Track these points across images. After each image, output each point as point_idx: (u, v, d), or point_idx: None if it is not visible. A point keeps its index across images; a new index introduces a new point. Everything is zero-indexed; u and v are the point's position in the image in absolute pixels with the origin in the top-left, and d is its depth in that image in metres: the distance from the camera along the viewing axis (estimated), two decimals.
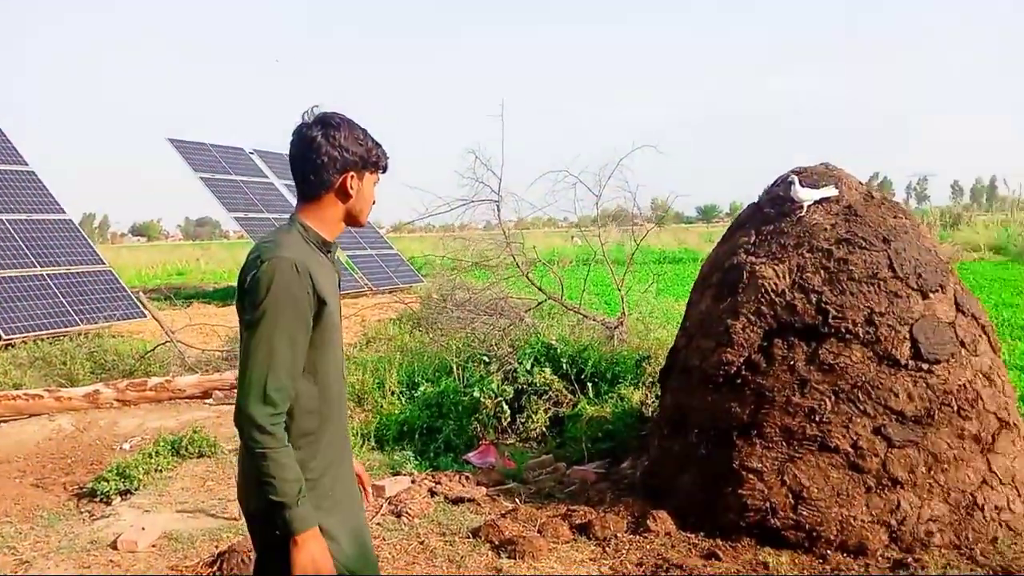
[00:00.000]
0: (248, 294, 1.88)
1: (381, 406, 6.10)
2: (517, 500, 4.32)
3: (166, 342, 8.92)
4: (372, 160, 2.05)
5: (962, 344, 3.75)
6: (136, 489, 4.70)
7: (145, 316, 11.21)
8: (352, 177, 2.01)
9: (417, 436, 5.55)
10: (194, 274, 25.94)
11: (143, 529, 3.97)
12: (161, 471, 5.00)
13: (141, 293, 12.25)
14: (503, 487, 4.53)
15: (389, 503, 4.29)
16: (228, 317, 13.77)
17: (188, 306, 16.09)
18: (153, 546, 3.90)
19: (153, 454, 5.12)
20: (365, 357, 7.62)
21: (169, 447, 5.28)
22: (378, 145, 2.07)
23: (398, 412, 5.92)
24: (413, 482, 4.54)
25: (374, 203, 2.12)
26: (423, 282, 15.90)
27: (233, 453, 5.47)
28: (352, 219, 2.08)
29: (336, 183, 2.00)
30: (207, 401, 7.53)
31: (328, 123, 1.99)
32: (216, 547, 3.81)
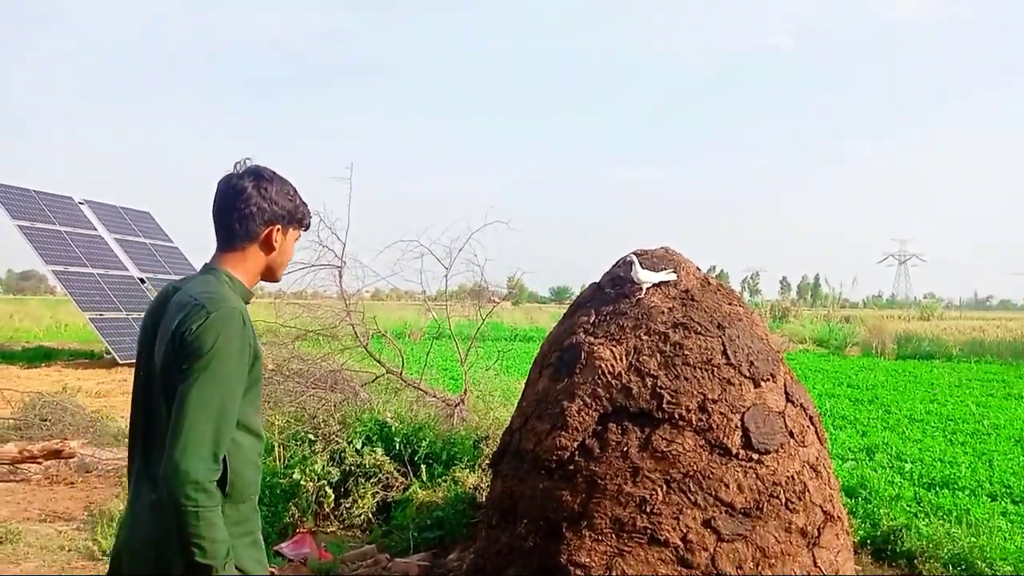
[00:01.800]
0: (191, 345, 1.81)
1: None
2: None
3: None
4: (298, 216, 2.09)
5: (791, 434, 3.72)
6: None
7: None
8: (278, 231, 2.04)
9: None
10: (4, 331, 23.48)
11: None
12: None
13: None
14: None
15: None
16: (31, 380, 12.37)
17: None
18: None
19: None
20: None
21: None
22: (305, 203, 2.12)
23: None
24: None
25: (291, 260, 2.16)
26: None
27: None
28: (269, 273, 2.10)
29: (261, 235, 2.03)
30: None
31: (260, 175, 2.03)
32: None
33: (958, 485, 6.15)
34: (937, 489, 6.02)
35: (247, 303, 2.03)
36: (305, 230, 2.17)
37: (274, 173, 2.07)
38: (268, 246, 2.04)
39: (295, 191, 2.10)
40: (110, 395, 11.35)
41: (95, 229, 17.70)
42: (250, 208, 1.99)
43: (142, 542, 1.89)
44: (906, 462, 7.00)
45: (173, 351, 1.84)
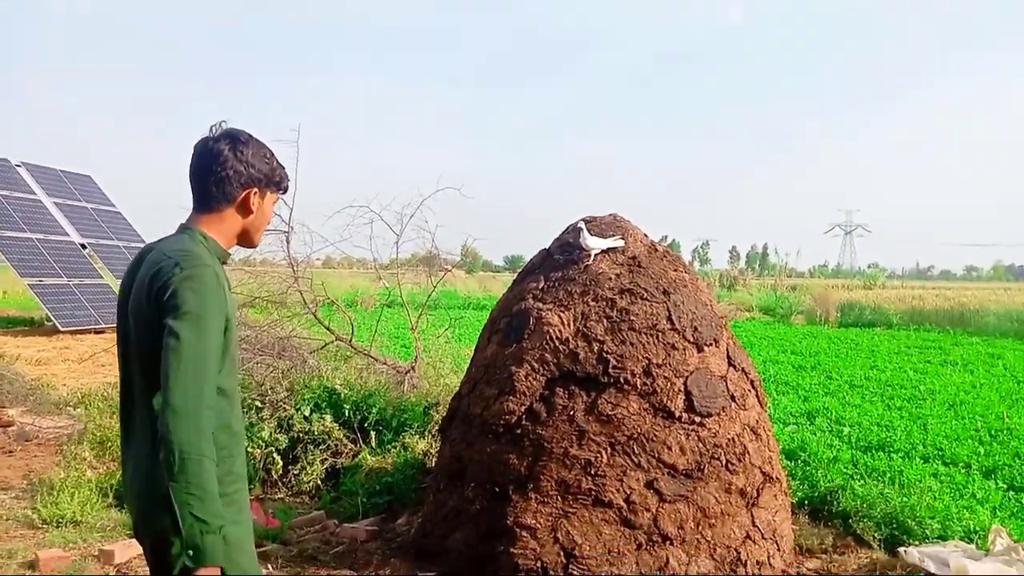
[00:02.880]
0: (168, 301, 1.81)
1: None
2: (269, 566, 3.84)
3: None
4: (275, 180, 2.09)
5: (732, 398, 3.80)
6: None
7: None
8: (255, 193, 2.04)
9: None
10: None
11: None
12: None
13: None
14: (259, 550, 4.03)
15: (118, 571, 3.66)
16: None
17: None
18: None
19: None
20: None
21: None
22: (282, 166, 2.11)
23: None
24: None
25: (268, 223, 2.15)
26: None
27: None
28: (246, 236, 2.09)
29: (239, 197, 2.02)
30: None
31: (236, 138, 2.02)
32: None
33: (893, 448, 6.37)
34: (873, 452, 6.23)
35: (224, 263, 2.03)
36: (283, 193, 2.16)
37: (250, 136, 2.06)
38: (245, 209, 2.04)
39: (272, 154, 2.09)
40: (50, 363, 11.05)
41: (34, 193, 17.07)
42: (227, 171, 1.99)
43: (139, 501, 1.89)
44: (845, 426, 7.23)
45: (147, 306, 1.85)
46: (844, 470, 5.49)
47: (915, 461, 5.96)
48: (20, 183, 17.11)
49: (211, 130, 2.05)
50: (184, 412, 1.73)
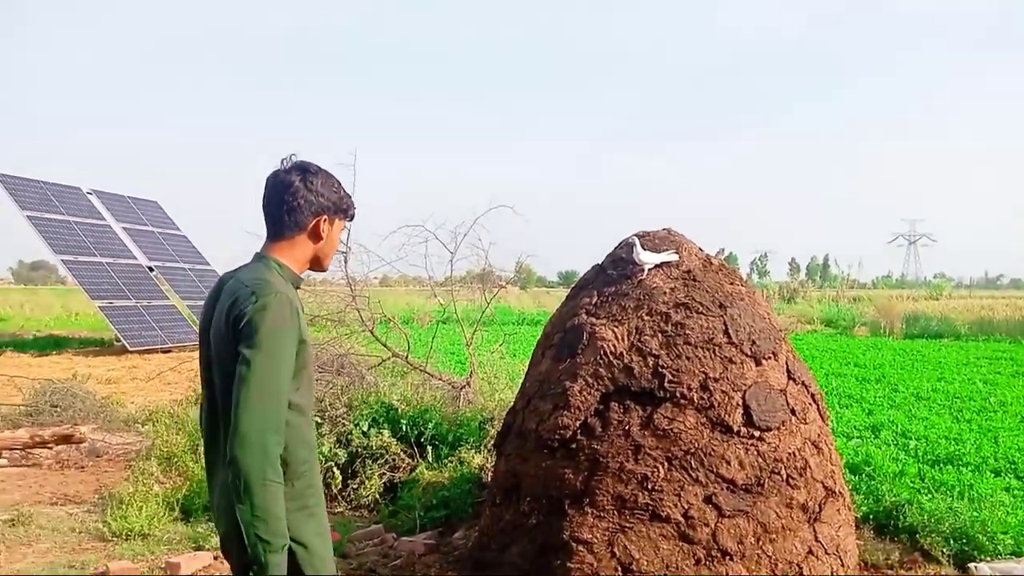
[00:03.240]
0: (243, 328, 1.92)
1: (192, 471, 5.50)
2: None
3: None
4: (343, 207, 2.21)
5: (792, 412, 3.74)
6: None
7: None
8: (324, 221, 2.15)
9: None
10: (15, 320, 23.68)
11: None
12: None
13: None
14: None
15: None
16: (42, 368, 12.49)
17: (0, 354, 14.55)
18: None
19: None
20: (186, 415, 6.96)
21: None
22: (348, 195, 2.24)
23: None
24: (216, 559, 4.03)
25: (336, 248, 2.29)
26: None
27: (7, 524, 4.75)
28: (317, 262, 2.22)
29: (309, 225, 2.14)
30: None
31: (306, 169, 2.15)
32: None
33: (962, 461, 6.16)
34: (941, 466, 6.04)
35: (297, 288, 2.15)
36: (350, 220, 2.28)
37: (319, 167, 2.18)
38: (316, 236, 2.16)
39: (339, 184, 2.21)
40: (120, 382, 11.45)
41: (103, 219, 17.78)
42: (298, 200, 2.10)
43: (226, 516, 1.97)
44: (911, 439, 7.02)
45: (226, 333, 1.96)
46: (910, 484, 5.33)
47: (986, 475, 5.75)
48: (91, 210, 17.82)
49: (282, 162, 2.17)
50: (250, 439, 1.83)
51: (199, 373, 2.18)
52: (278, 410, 1.90)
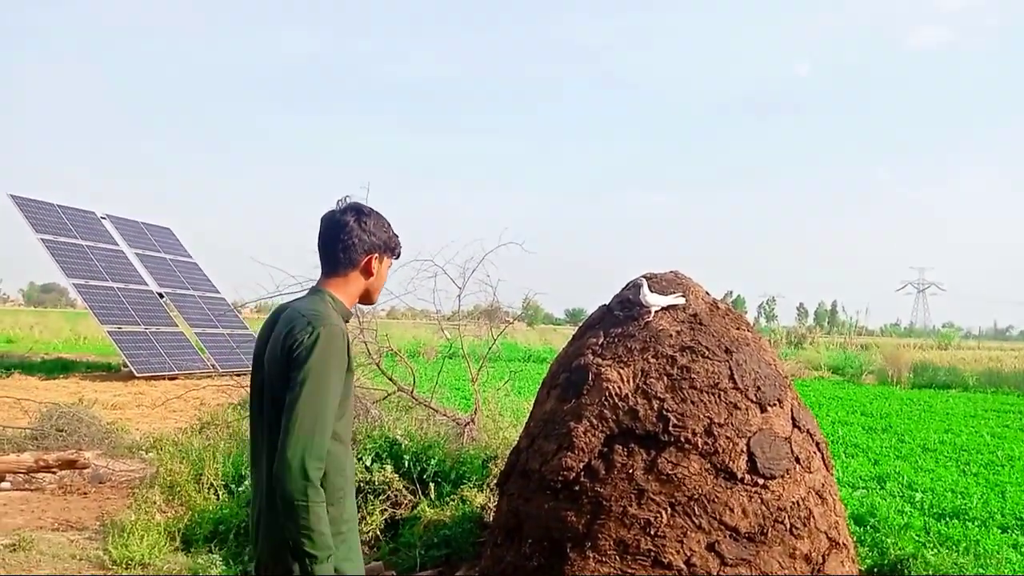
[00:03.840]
0: (298, 357, 2.05)
1: (195, 501, 5.49)
2: None
3: None
4: (391, 246, 2.38)
5: (797, 460, 3.73)
6: None
7: None
8: (375, 259, 2.33)
9: (233, 537, 5.00)
10: (25, 342, 23.79)
11: None
12: None
13: None
14: None
15: None
16: (49, 391, 12.52)
17: (7, 376, 14.60)
18: None
19: None
20: (190, 444, 6.96)
21: None
22: (396, 235, 2.40)
23: (214, 508, 5.34)
24: None
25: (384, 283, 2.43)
26: None
27: (8, 549, 4.75)
28: (367, 296, 2.37)
29: (362, 263, 2.30)
30: (2, 485, 6.65)
31: (360, 210, 2.32)
32: None
33: (969, 516, 6.09)
34: (947, 519, 5.97)
35: (346, 321, 2.28)
36: (396, 258, 2.44)
37: (371, 208, 2.35)
38: (367, 272, 2.32)
39: (389, 224, 2.38)
40: (126, 407, 11.47)
41: (116, 244, 17.95)
42: (352, 239, 2.27)
43: (264, 542, 2.12)
44: (917, 491, 6.95)
45: (281, 359, 2.10)
46: (916, 538, 5.27)
47: (992, 530, 5.68)
48: (104, 234, 18.00)
49: (337, 203, 2.34)
50: (296, 464, 1.96)
51: (248, 402, 2.32)
52: (323, 437, 2.01)
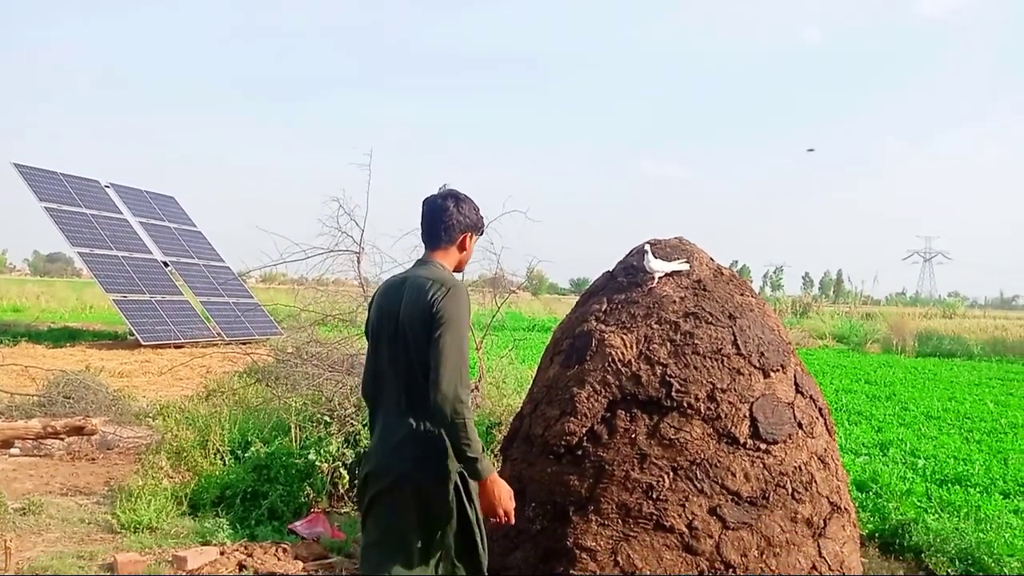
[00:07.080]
0: (439, 312, 2.56)
1: (201, 466, 5.53)
2: None
3: None
4: (480, 226, 2.94)
5: (799, 425, 3.73)
6: None
7: None
8: (469, 237, 2.87)
9: (239, 501, 5.05)
10: (31, 311, 23.89)
11: None
12: None
13: None
14: (324, 561, 4.14)
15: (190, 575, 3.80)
16: (56, 359, 12.60)
17: (15, 345, 14.68)
18: None
19: None
20: (196, 411, 7.00)
21: None
22: (483, 217, 2.95)
23: (220, 474, 5.39)
24: (222, 554, 4.07)
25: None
26: (281, 334, 15.22)
27: (18, 513, 4.81)
28: (459, 266, 2.91)
29: (458, 239, 2.84)
30: (11, 451, 6.72)
31: (457, 196, 2.85)
32: None
33: (971, 482, 6.12)
34: (949, 485, 6.00)
35: None
36: (480, 236, 2.97)
37: (466, 195, 2.87)
38: (462, 247, 2.86)
39: (478, 208, 2.90)
40: (132, 375, 11.54)
41: (120, 212, 17.93)
42: (452, 220, 2.80)
43: (407, 461, 2.60)
44: (919, 458, 6.98)
45: (420, 317, 2.58)
46: (917, 503, 5.31)
47: (994, 496, 5.71)
48: (108, 203, 17.97)
49: (438, 190, 2.88)
50: (450, 393, 2.47)
51: (368, 350, 2.82)
52: (466, 369, 2.57)
